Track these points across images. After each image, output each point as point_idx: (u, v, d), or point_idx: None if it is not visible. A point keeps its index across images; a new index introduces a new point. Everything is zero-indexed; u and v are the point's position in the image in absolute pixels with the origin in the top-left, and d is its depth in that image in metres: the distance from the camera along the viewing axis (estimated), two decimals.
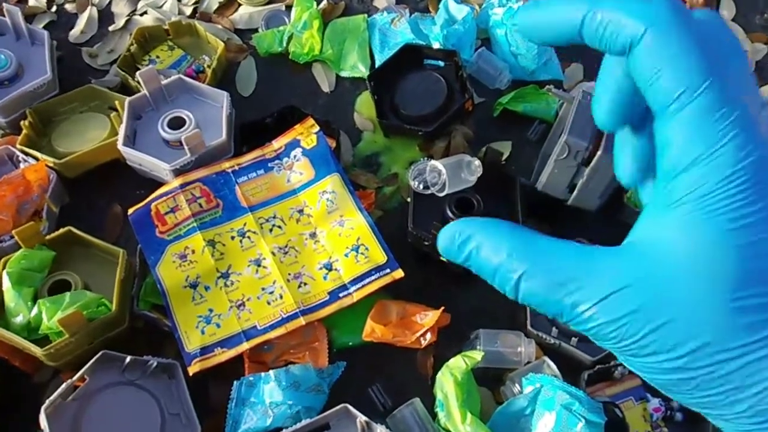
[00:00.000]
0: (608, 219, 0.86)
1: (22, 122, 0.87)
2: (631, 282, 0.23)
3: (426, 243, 0.79)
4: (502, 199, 0.82)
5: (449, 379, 0.70)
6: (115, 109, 0.90)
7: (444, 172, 0.79)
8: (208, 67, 0.97)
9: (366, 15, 1.05)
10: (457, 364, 0.71)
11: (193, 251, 0.78)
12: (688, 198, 0.23)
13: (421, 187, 0.81)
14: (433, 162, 0.80)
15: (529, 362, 0.75)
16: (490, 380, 0.76)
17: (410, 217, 0.80)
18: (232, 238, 0.80)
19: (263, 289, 0.76)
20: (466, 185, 0.80)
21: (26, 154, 0.85)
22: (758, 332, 0.21)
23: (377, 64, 1.00)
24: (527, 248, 0.25)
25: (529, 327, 0.76)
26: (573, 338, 0.74)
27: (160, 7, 1.08)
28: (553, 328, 0.75)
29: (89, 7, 1.07)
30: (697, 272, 0.22)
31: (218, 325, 0.74)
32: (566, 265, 0.24)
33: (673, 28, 0.22)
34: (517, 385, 0.73)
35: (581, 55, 1.05)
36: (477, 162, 0.80)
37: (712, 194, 0.22)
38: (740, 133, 0.22)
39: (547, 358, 0.74)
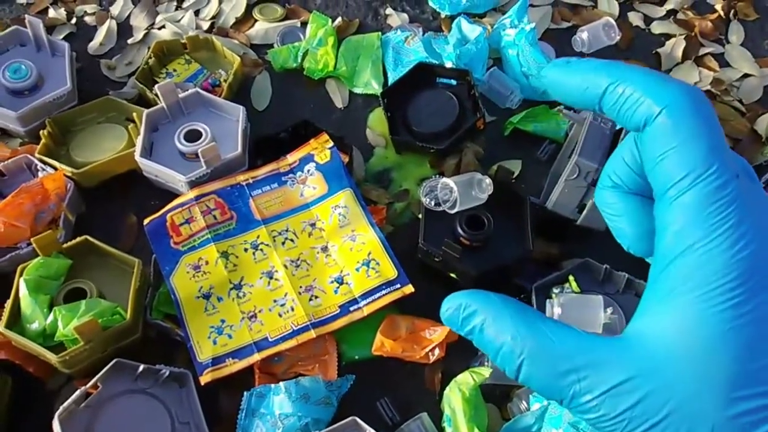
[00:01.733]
0: (616, 240, 0.87)
1: (41, 132, 0.88)
2: (632, 376, 0.23)
3: (436, 259, 0.80)
4: (512, 217, 0.83)
5: (457, 395, 0.71)
6: (133, 121, 0.91)
7: (455, 190, 0.80)
8: (224, 81, 0.99)
9: (380, 33, 1.07)
10: (465, 380, 0.72)
11: (207, 262, 0.79)
12: (684, 290, 0.23)
13: (433, 203, 0.83)
14: (444, 179, 0.81)
15: None
16: (497, 397, 0.77)
17: (421, 233, 0.81)
18: (245, 250, 0.81)
19: (275, 301, 0.77)
20: (477, 203, 0.81)
21: (45, 163, 0.86)
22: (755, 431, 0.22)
23: (390, 81, 1.02)
24: (531, 333, 0.25)
25: None
26: None
27: (178, 21, 1.10)
28: None
29: (108, 20, 1.09)
30: (694, 371, 0.23)
31: (230, 336, 0.75)
32: (570, 355, 0.24)
33: (687, 113, 0.23)
34: (524, 402, 0.73)
35: None
36: (488, 180, 0.81)
37: (706, 289, 0.22)
38: (736, 224, 0.22)
39: None
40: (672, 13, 1.17)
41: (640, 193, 0.28)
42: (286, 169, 0.87)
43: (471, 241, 0.80)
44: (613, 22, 1.08)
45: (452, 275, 0.81)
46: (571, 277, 0.81)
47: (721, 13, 1.17)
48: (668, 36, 1.14)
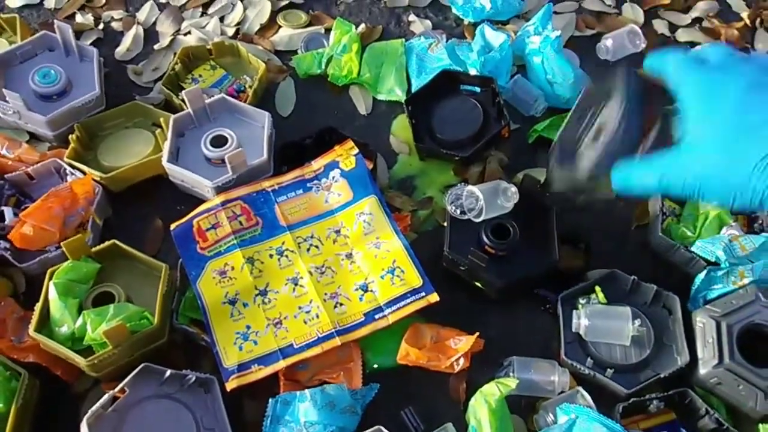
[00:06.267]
0: (642, 250, 0.86)
1: (69, 136, 0.89)
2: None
3: (462, 268, 0.80)
4: (537, 227, 0.82)
5: (483, 406, 0.70)
6: (159, 126, 0.92)
7: (481, 198, 0.79)
8: (249, 87, 0.99)
9: (403, 39, 1.07)
10: (491, 391, 0.71)
11: (233, 268, 0.79)
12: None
13: (458, 212, 0.82)
14: (470, 187, 0.81)
15: (562, 392, 0.74)
16: (522, 409, 0.76)
17: (446, 240, 0.81)
18: (271, 256, 0.81)
19: (300, 308, 0.77)
20: (502, 211, 0.81)
21: (73, 167, 0.87)
22: None
23: (414, 88, 1.02)
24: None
25: (563, 356, 0.76)
26: (608, 369, 0.74)
27: (204, 27, 1.11)
28: (588, 359, 0.75)
29: (135, 26, 1.10)
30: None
31: (255, 342, 0.75)
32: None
33: None
34: (550, 414, 0.72)
35: None
36: (513, 189, 0.80)
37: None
38: None
39: (581, 389, 0.74)
40: (697, 21, 1.16)
41: None
42: (311, 176, 0.88)
43: (496, 250, 0.80)
44: (638, 30, 1.08)
45: (477, 283, 0.81)
46: (597, 288, 0.80)
47: (747, 22, 1.16)
48: (694, 44, 1.13)
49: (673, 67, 0.47)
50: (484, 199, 0.79)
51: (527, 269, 0.79)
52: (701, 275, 0.78)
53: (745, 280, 0.75)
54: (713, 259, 0.78)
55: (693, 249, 0.79)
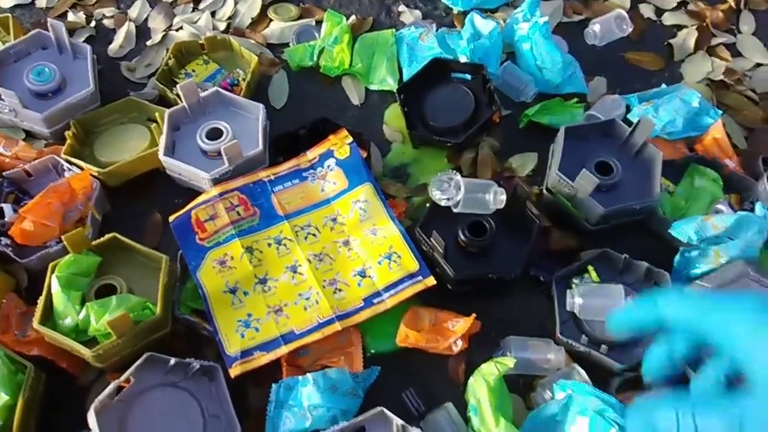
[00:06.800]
0: (639, 229, 0.87)
1: (66, 133, 0.90)
2: None
3: (424, 248, 0.81)
4: (517, 237, 0.82)
5: (482, 385, 0.72)
6: (154, 121, 0.93)
7: (462, 191, 0.80)
8: (243, 80, 1.00)
9: (394, 30, 1.08)
10: (490, 370, 0.73)
11: (232, 257, 0.80)
12: None
13: (439, 196, 0.83)
14: (458, 177, 0.82)
15: (559, 369, 0.76)
16: (520, 387, 0.78)
17: (422, 219, 0.82)
18: (269, 245, 0.82)
19: (300, 294, 0.79)
20: (484, 211, 0.82)
21: (71, 163, 0.88)
22: None
23: (405, 77, 1.03)
24: None
25: (558, 335, 0.78)
26: (602, 346, 0.75)
27: (195, 22, 1.12)
28: (583, 336, 0.77)
29: (127, 23, 1.11)
30: None
31: (257, 330, 0.76)
32: None
33: None
34: (548, 391, 0.74)
35: (605, 70, 1.07)
36: (503, 197, 0.81)
37: None
38: None
39: (576, 366, 0.76)
40: (683, 4, 1.18)
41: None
42: (306, 165, 0.89)
43: (467, 245, 0.81)
44: (625, 14, 1.09)
45: (437, 270, 0.81)
46: (590, 267, 0.82)
47: (732, 3, 1.18)
48: (680, 27, 1.14)
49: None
50: (465, 193, 0.80)
51: (486, 270, 0.80)
52: (677, 257, 0.79)
53: (721, 260, 0.76)
54: (686, 240, 0.79)
55: (671, 230, 0.81)
